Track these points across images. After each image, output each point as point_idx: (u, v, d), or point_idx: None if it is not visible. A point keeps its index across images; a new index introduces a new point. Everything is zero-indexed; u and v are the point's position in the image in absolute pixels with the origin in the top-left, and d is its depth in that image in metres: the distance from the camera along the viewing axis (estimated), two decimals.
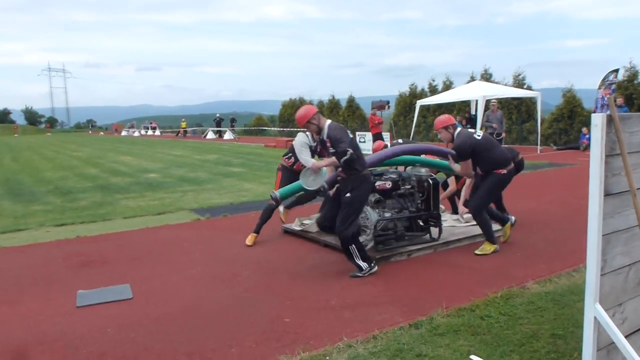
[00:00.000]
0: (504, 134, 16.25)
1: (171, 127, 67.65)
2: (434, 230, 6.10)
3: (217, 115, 46.15)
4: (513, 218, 6.77)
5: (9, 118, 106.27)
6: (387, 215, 5.78)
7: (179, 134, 47.11)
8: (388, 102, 22.48)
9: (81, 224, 8.14)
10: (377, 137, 17.86)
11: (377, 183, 5.79)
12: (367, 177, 5.16)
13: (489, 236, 5.76)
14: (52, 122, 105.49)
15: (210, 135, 41.62)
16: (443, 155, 6.40)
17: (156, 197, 10.67)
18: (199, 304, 4.53)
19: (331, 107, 36.34)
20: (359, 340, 3.65)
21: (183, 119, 51.36)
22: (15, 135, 66.24)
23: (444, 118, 5.87)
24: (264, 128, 44.37)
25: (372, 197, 5.80)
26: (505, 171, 5.67)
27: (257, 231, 6.50)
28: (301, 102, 40.33)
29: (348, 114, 34.48)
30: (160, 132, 55.89)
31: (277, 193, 5.84)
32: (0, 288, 5.09)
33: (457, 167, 6.01)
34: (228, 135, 38.69)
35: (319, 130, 5.16)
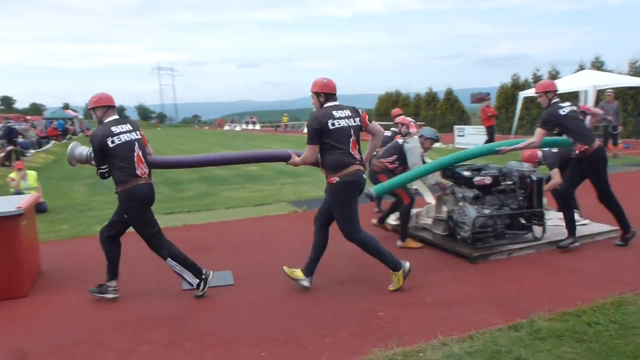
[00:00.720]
0: (620, 128, 15.07)
1: (270, 121, 69.62)
2: (537, 229, 5.82)
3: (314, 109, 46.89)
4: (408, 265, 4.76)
5: (123, 114, 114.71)
6: (486, 212, 5.60)
7: (280, 127, 48.26)
8: (488, 94, 21.75)
9: (187, 213, 8.63)
10: (490, 130, 17.15)
11: (476, 179, 5.63)
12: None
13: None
14: (161, 117, 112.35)
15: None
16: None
17: (256, 189, 11.06)
18: (295, 294, 4.65)
19: (428, 100, 35.65)
20: (454, 339, 3.58)
21: (285, 114, 52.64)
22: None
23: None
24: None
25: (471, 193, 5.64)
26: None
27: (405, 237, 6.08)
28: (397, 95, 39.93)
29: (446, 106, 33.65)
30: (260, 126, 57.69)
31: (372, 190, 5.62)
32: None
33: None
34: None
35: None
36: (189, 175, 13.97)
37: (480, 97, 20.63)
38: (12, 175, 9.46)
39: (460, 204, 5.74)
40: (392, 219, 6.61)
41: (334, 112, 4.45)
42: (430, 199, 7.42)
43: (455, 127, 20.85)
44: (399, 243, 6.01)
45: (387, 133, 7.96)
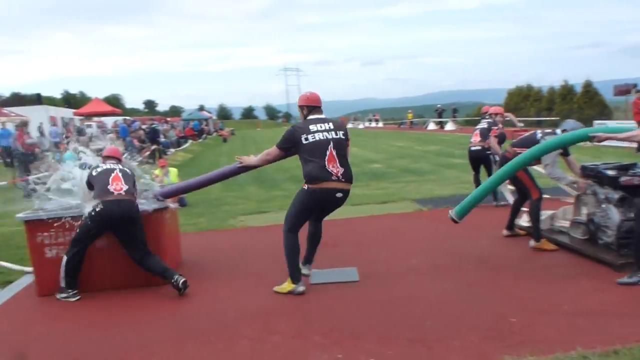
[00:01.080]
0: None
1: (393, 118, 69.23)
2: None
3: (439, 105, 45.72)
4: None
5: (253, 114, 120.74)
6: (632, 215, 5.11)
7: (406, 125, 47.36)
8: (635, 86, 19.77)
9: None
10: None
11: (622, 179, 5.15)
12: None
13: None
14: (287, 116, 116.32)
15: (431, 126, 41.51)
16: None
17: (380, 186, 11.07)
18: (421, 293, 4.59)
19: (564, 94, 33.26)
20: (596, 353, 3.30)
21: (409, 110, 51.71)
22: (258, 129, 74.63)
23: None
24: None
25: (616, 195, 5.18)
26: None
27: (539, 237, 5.72)
28: (529, 89, 37.79)
29: (584, 100, 31.15)
30: (383, 124, 57.59)
31: (453, 213, 5.24)
32: (248, 262, 5.83)
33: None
34: (449, 126, 38.12)
35: None
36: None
37: (625, 89, 18.82)
38: (156, 172, 10.32)
39: (603, 206, 5.30)
40: (524, 221, 6.28)
41: (312, 127, 4.57)
42: (510, 199, 7.49)
43: (595, 122, 19.27)
44: (532, 243, 5.68)
45: (484, 125, 8.22)
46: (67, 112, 36.01)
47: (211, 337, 3.90)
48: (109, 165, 5.10)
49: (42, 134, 28.23)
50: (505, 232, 6.28)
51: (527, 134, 6.15)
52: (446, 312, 4.12)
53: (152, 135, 21.77)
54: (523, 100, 37.65)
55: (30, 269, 5.33)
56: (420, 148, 21.41)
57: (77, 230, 4.84)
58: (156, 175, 10.18)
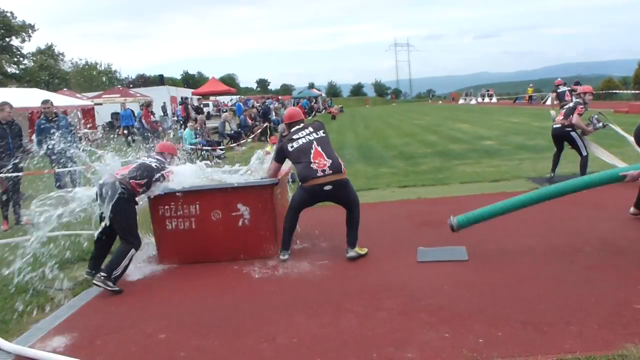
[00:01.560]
0: None
1: (508, 93, 65.98)
2: None
3: (559, 79, 42.79)
4: None
5: (361, 91, 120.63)
6: None
7: (524, 100, 44.94)
8: None
9: (422, 187, 8.74)
10: None
11: None
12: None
13: None
14: (396, 93, 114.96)
15: (550, 101, 39.00)
16: None
17: (492, 164, 10.65)
18: (535, 275, 4.40)
19: None
20: None
21: (530, 84, 49.11)
22: (367, 106, 74.64)
23: None
24: (614, 91, 39.37)
25: None
26: None
27: None
28: None
29: None
30: (497, 99, 55.08)
31: (456, 220, 5.03)
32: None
33: None
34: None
35: None
36: (423, 150, 14.11)
37: None
38: (268, 148, 10.69)
39: None
40: None
41: (294, 135, 5.26)
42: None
43: None
44: None
45: (570, 104, 8.35)
46: (187, 92, 38.22)
47: (318, 311, 4.02)
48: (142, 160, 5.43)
49: (165, 113, 30.30)
50: (632, 210, 5.81)
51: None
52: (562, 296, 3.92)
53: (264, 113, 22.50)
54: None
55: (152, 239, 5.72)
56: (537, 124, 20.25)
57: None
58: (267, 152, 10.57)
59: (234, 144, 17.00)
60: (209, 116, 32.22)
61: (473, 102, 54.70)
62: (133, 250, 4.97)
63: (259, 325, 3.85)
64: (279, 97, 46.86)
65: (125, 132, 19.80)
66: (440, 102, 71.67)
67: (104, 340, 3.83)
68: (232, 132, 18.16)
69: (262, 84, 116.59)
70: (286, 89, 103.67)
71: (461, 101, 58.38)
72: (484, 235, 5.56)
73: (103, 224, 4.92)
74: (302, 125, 5.39)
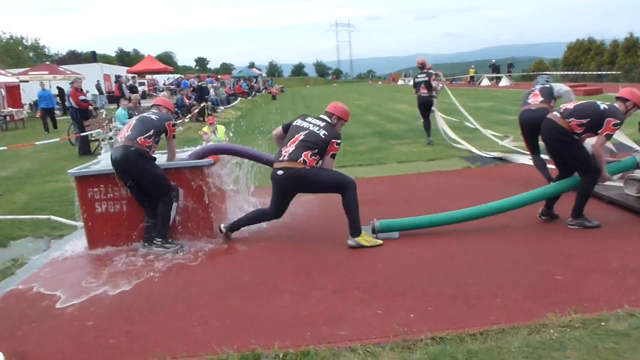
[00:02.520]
0: None
1: (446, 75, 67.36)
2: None
3: (493, 60, 44.03)
4: None
5: (302, 71, 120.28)
6: None
7: (466, 81, 45.42)
8: None
9: (359, 167, 8.82)
10: None
11: None
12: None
13: None
14: (337, 73, 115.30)
15: (485, 82, 40.14)
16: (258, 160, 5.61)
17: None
18: (465, 250, 4.54)
19: (627, 47, 31.37)
20: None
21: (472, 65, 48.58)
22: (308, 86, 74.47)
23: None
24: (545, 73, 40.93)
25: None
26: None
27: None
28: (590, 43, 35.86)
29: None
30: None
31: (378, 223, 5.01)
32: (293, 221, 5.85)
33: None
34: (504, 82, 36.76)
35: None
36: (361, 130, 14.23)
37: None
38: (204, 129, 10.48)
39: None
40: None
41: (308, 118, 5.15)
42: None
43: None
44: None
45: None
46: (121, 70, 36.86)
47: (253, 292, 3.99)
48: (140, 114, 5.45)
49: (100, 91, 29.08)
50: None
51: (584, 102, 5.06)
52: (489, 270, 4.07)
53: (200, 93, 22.01)
54: (583, 54, 35.81)
55: (81, 223, 5.50)
56: (471, 104, 20.80)
57: None
58: (204, 132, 10.35)
59: None
60: (144, 95, 31.25)
61: (411, 82, 55.52)
62: (175, 203, 5.07)
63: (192, 309, 3.78)
64: (218, 77, 45.94)
65: (45, 114, 18.43)
66: (380, 82, 72.40)
67: (25, 330, 3.66)
68: None
69: (201, 62, 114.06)
70: (226, 68, 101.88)
71: (400, 82, 59.16)
72: (417, 214, 5.66)
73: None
74: (324, 117, 5.14)
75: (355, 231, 4.81)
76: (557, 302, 3.44)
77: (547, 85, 6.52)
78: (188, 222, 5.24)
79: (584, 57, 35.46)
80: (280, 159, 4.89)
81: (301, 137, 4.90)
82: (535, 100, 6.27)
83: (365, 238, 4.80)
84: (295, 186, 4.94)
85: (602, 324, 3.11)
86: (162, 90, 26.01)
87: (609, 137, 4.77)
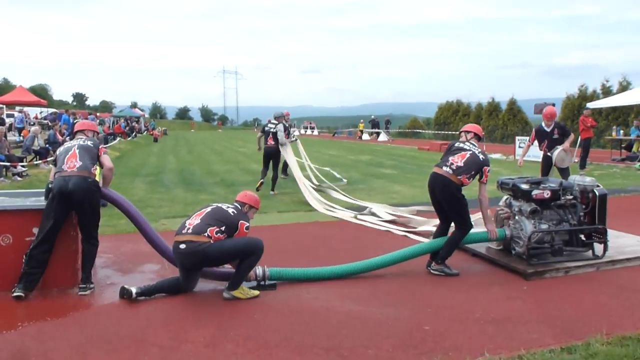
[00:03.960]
0: None
1: (329, 127, 69.76)
2: (599, 247, 5.52)
3: (373, 116, 46.46)
4: None
5: (188, 115, 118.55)
6: (544, 227, 5.37)
7: (356, 135, 45.56)
8: (553, 105, 20.87)
9: None
10: (587, 143, 15.80)
11: (534, 192, 5.40)
12: None
13: None
14: (223, 119, 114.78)
15: (365, 136, 42.14)
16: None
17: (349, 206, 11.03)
18: (340, 301, 4.59)
19: (490, 110, 34.89)
20: (502, 358, 3.43)
21: (361, 120, 46.74)
22: (192, 130, 73.36)
23: None
24: (418, 131, 43.91)
25: (528, 207, 5.42)
26: None
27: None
28: (458, 104, 39.25)
29: (508, 117, 32.89)
30: (318, 132, 57.91)
31: (268, 271, 4.99)
32: (165, 267, 5.60)
33: None
34: (382, 137, 38.87)
35: None
36: (245, 178, 14.17)
37: (542, 108, 19.81)
38: None
39: (517, 217, 5.53)
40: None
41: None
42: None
43: (518, 138, 20.22)
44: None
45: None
46: None
47: (118, 346, 3.72)
48: (72, 142, 5.21)
49: None
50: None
51: (468, 156, 5.29)
52: (363, 321, 4.14)
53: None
54: (452, 114, 39.07)
55: None
56: (352, 157, 21.67)
57: None
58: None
59: (40, 161, 15.44)
60: (10, 128, 28.87)
61: (296, 133, 56.76)
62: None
63: None
64: (97, 114, 43.81)
65: None
66: (296, 133, 73.10)
67: None
68: (39, 148, 16.48)
69: (79, 98, 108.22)
70: (106, 106, 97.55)
71: None
72: (295, 264, 5.68)
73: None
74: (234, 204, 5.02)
75: (235, 285, 4.68)
76: (424, 351, 3.57)
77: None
78: (51, 268, 4.82)
79: (453, 118, 38.69)
80: (184, 231, 4.61)
81: (207, 211, 4.73)
82: None
83: (242, 291, 4.69)
84: (199, 261, 4.60)
85: None
86: (33, 124, 24.18)
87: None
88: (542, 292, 4.78)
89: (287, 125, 11.37)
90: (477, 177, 5.31)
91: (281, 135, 10.93)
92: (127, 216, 5.25)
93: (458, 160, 5.28)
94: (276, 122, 11.15)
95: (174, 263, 5.01)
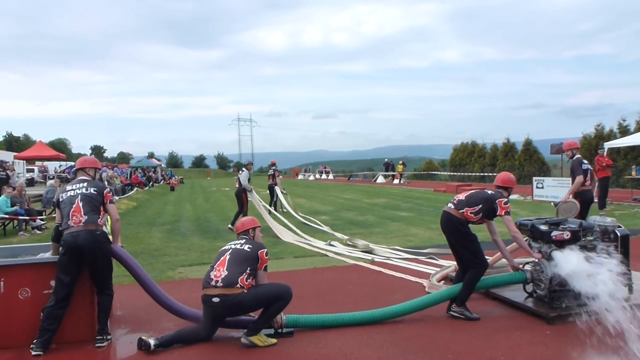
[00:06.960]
0: None
1: (343, 171, 70.07)
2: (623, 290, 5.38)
3: (386, 159, 46.50)
4: None
5: (204, 163, 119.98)
6: None
7: (395, 177, 44.04)
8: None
9: None
10: (605, 182, 15.16)
11: (554, 233, 5.32)
12: None
13: None
14: (239, 166, 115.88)
15: (380, 179, 42.14)
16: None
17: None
18: (358, 348, 4.51)
19: (506, 151, 34.82)
20: None
21: (401, 161, 45.12)
22: (208, 178, 74.05)
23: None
24: (434, 172, 43.83)
25: (549, 249, 5.33)
26: None
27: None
28: (473, 146, 39.25)
29: (525, 157, 32.72)
30: (334, 176, 58.11)
31: (286, 319, 4.95)
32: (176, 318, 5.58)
33: None
34: (397, 180, 38.81)
35: None
36: (260, 223, 14.15)
37: (559, 148, 19.73)
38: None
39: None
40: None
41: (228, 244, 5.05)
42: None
43: (535, 178, 20.07)
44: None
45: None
46: (7, 156, 34.70)
47: None
48: (75, 188, 5.05)
49: None
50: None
51: (473, 191, 5.61)
52: None
53: None
54: (468, 156, 39.02)
55: None
56: (368, 201, 21.63)
57: None
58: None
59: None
60: (32, 182, 29.46)
61: (311, 177, 57.11)
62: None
63: None
64: (114, 166, 44.56)
65: None
66: (281, 176, 73.60)
67: None
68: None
69: (97, 150, 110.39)
70: (123, 157, 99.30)
71: (300, 176, 60.63)
72: (312, 310, 5.62)
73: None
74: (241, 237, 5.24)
75: (255, 331, 4.65)
76: None
77: None
78: (68, 321, 4.81)
79: (469, 159, 38.62)
80: (212, 284, 4.58)
81: (228, 258, 4.71)
82: None
83: (260, 338, 4.63)
84: (233, 311, 4.65)
85: None
86: (52, 178, 24.64)
87: (508, 213, 5.27)
88: (566, 336, 4.65)
89: (250, 173, 13.99)
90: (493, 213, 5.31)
91: (243, 180, 13.42)
92: (132, 274, 5.29)
93: (461, 195, 5.51)
94: (243, 169, 13.83)
95: (182, 317, 5.08)
